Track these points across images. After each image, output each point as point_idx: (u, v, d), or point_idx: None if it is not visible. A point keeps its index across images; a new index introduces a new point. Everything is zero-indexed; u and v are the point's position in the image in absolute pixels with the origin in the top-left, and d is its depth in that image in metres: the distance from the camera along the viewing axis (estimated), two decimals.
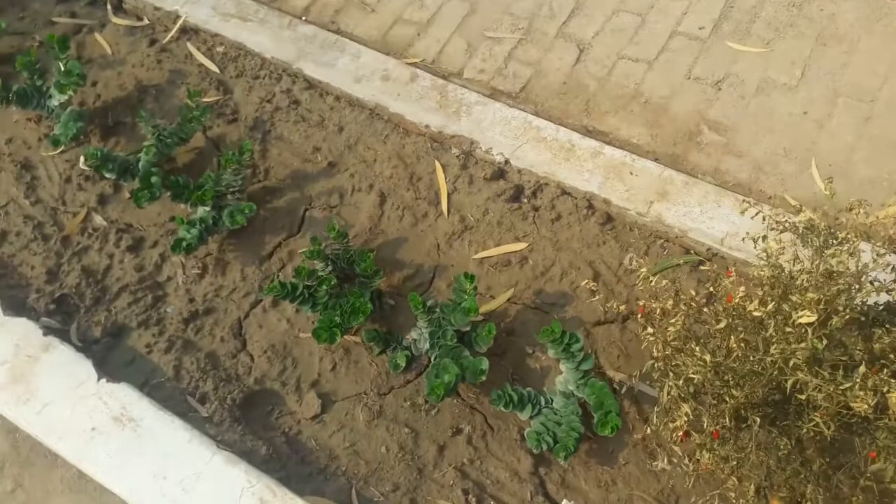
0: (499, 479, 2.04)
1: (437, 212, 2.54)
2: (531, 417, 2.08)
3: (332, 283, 2.24)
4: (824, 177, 2.59)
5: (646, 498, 2.01)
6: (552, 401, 2.10)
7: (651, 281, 1.60)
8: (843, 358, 1.32)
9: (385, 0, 3.21)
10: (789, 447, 1.43)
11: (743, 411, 1.45)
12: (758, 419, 1.42)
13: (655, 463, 2.05)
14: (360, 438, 2.12)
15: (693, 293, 1.44)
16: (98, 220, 2.59)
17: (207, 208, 2.42)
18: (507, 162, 2.58)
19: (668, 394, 1.51)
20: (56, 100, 2.73)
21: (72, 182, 2.69)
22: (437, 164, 2.63)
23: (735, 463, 1.51)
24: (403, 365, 2.19)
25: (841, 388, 1.26)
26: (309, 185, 2.64)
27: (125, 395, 2.09)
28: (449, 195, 2.56)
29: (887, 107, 2.71)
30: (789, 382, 1.33)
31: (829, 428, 1.36)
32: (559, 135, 2.60)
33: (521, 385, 2.17)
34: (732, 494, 1.59)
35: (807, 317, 1.25)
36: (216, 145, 2.76)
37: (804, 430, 1.41)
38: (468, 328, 2.18)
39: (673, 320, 1.44)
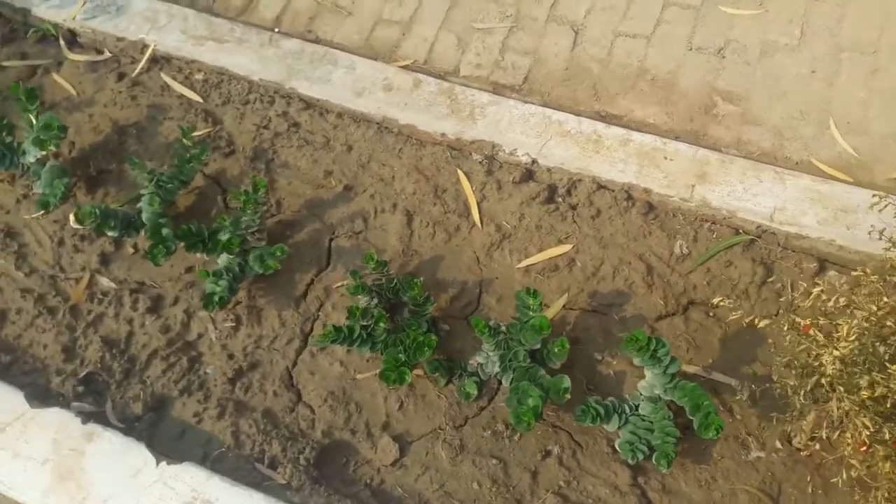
0: (600, 497, 1.97)
1: (469, 223, 2.42)
2: (619, 428, 2.01)
3: (386, 319, 2.10)
4: (844, 135, 2.57)
5: (749, 490, 1.96)
6: (637, 407, 2.03)
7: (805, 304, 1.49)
8: None
9: (360, 1, 3.04)
10: None
11: None
12: None
13: (751, 454, 2.02)
14: (448, 478, 2.01)
15: (874, 308, 1.37)
16: (105, 282, 2.38)
17: (233, 256, 2.25)
18: (534, 162, 2.47)
19: (839, 408, 1.45)
20: (32, 156, 2.48)
21: (65, 244, 2.46)
22: (459, 173, 2.50)
23: None
24: (475, 393, 2.08)
25: None
26: (327, 213, 2.48)
27: (192, 476, 1.92)
28: (479, 204, 2.44)
29: (890, 57, 2.71)
30: None
31: None
32: (582, 126, 2.51)
33: (597, 394, 2.09)
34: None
35: None
36: (217, 182, 2.57)
37: None
38: (538, 345, 2.08)
39: (851, 338, 1.37)
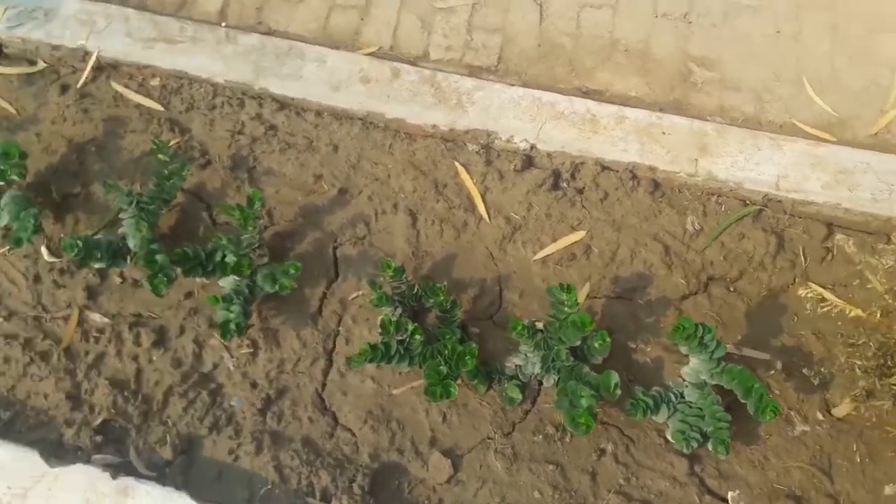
0: (661, 491, 1.97)
1: (476, 218, 2.35)
2: (668, 418, 2.01)
3: (421, 331, 2.02)
4: (819, 94, 2.63)
5: (802, 466, 2.01)
6: (682, 394, 2.04)
7: None
8: None
9: None
10: None
11: None
12: None
13: (797, 428, 2.06)
14: (508, 489, 1.97)
15: None
16: (97, 318, 2.18)
17: (240, 278, 2.10)
18: (532, 147, 2.41)
19: None
20: None
21: (43, 281, 2.23)
22: (457, 165, 2.41)
23: None
24: (519, 397, 2.04)
25: None
26: (325, 220, 2.35)
27: None
28: (483, 196, 2.37)
29: (846, 10, 2.78)
30: None
31: None
32: (575, 106, 2.46)
33: (638, 384, 2.08)
34: None
35: None
36: (198, 197, 2.38)
37: None
38: (578, 342, 2.05)
39: None
